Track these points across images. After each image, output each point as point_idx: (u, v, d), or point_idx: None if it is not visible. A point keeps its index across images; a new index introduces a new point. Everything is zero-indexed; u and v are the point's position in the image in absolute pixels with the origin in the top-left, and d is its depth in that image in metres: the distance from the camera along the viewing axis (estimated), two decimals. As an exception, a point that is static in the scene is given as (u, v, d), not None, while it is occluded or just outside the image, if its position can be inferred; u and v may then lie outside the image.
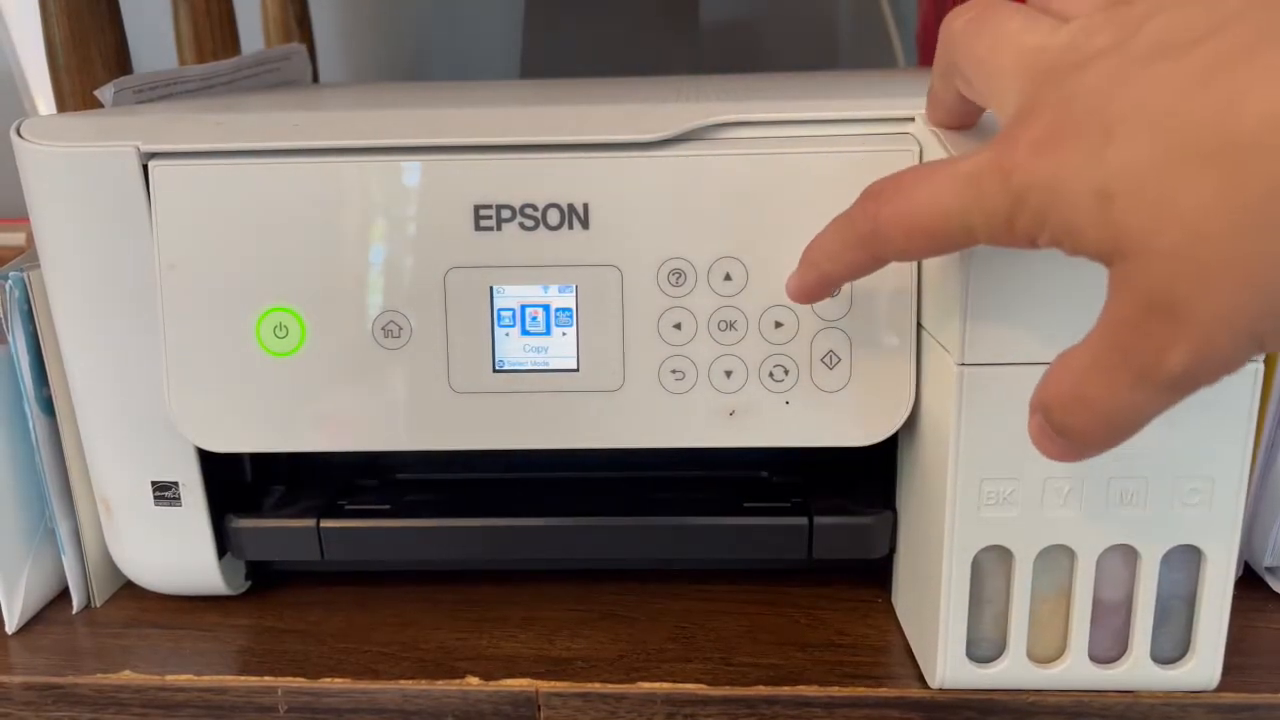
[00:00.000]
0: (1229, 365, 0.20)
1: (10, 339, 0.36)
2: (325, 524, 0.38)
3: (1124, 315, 0.21)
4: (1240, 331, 0.19)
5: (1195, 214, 0.19)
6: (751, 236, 0.33)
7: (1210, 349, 0.20)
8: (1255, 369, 0.29)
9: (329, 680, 0.34)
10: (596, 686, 0.34)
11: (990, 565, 0.32)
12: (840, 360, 0.34)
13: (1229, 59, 0.19)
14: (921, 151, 0.32)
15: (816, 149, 0.33)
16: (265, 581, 0.41)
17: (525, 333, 0.34)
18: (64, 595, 0.40)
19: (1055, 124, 0.21)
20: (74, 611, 0.39)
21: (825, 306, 0.33)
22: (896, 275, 0.33)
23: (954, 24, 0.26)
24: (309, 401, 0.35)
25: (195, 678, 0.35)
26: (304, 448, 0.35)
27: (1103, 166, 0.20)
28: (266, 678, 0.35)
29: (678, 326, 0.34)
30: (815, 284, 0.30)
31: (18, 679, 0.35)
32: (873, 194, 0.26)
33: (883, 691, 0.33)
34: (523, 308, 0.34)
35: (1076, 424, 0.23)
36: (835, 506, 0.38)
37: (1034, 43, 0.24)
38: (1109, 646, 0.33)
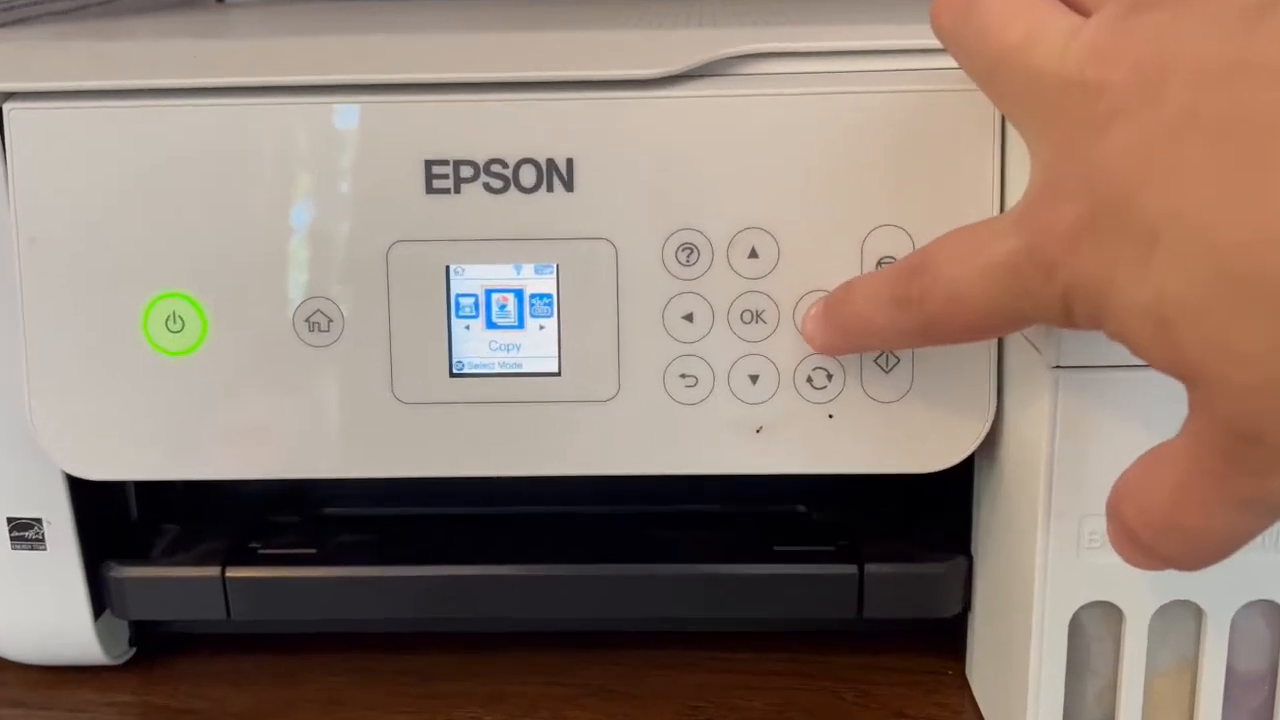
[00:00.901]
0: None
1: None
2: (232, 573, 0.38)
3: (1211, 439, 0.23)
4: None
5: (1263, 357, 0.21)
6: (784, 200, 0.33)
7: None
8: None
9: (236, 775, 0.35)
10: (584, 784, 0.35)
11: (1094, 627, 0.32)
12: (898, 362, 0.34)
13: (1265, 154, 0.20)
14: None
15: (866, 87, 0.33)
16: (154, 647, 0.41)
17: (491, 325, 0.34)
18: (-106, 666, 0.40)
19: (1090, 213, 0.23)
20: (-92, 687, 0.39)
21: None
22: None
23: (941, 19, 0.29)
24: (211, 415, 0.35)
25: (64, 772, 0.35)
26: (205, 475, 0.35)
27: (1150, 284, 0.22)
28: (156, 771, 0.34)
29: (689, 318, 0.34)
30: (846, 351, 0.33)
31: None
32: (914, 270, 0.29)
33: (954, 789, 0.34)
34: (488, 294, 0.34)
35: (1172, 551, 0.25)
36: (892, 551, 0.38)
37: (1042, 62, 0.25)
38: (1247, 732, 0.33)
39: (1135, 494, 0.25)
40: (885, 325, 0.30)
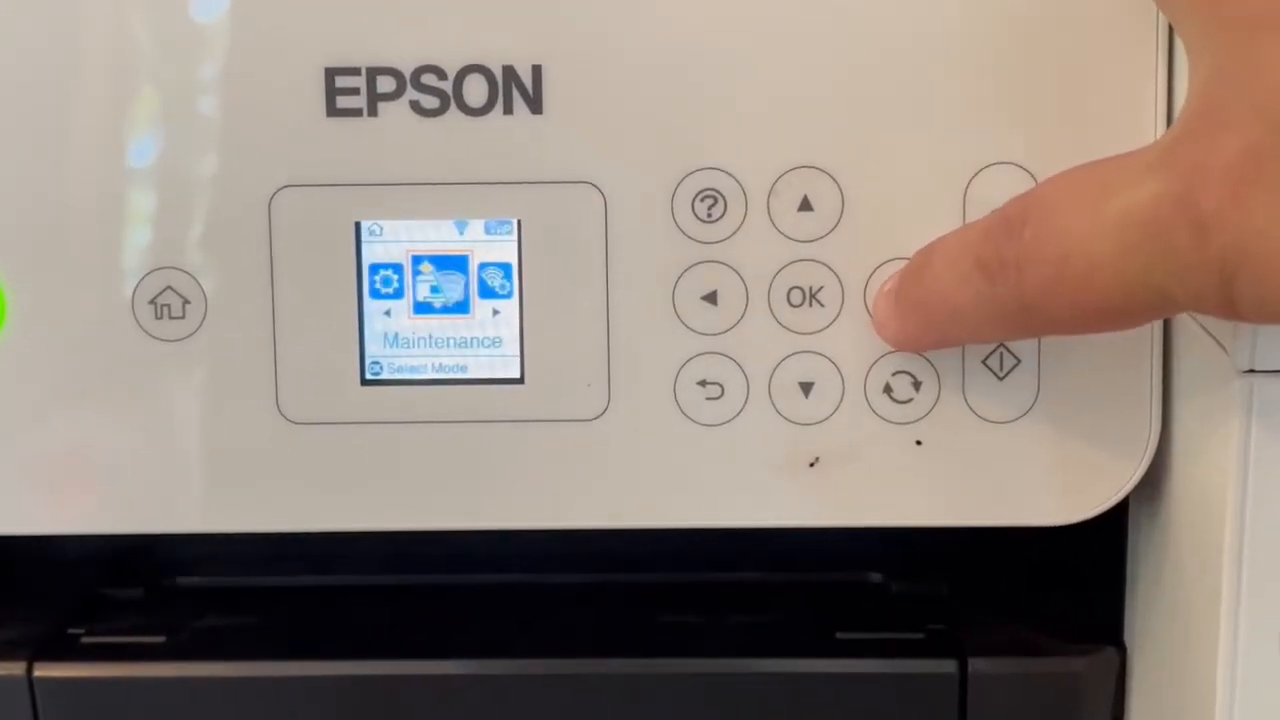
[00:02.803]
0: None
1: None
2: (42, 671, 0.37)
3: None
4: None
5: None
6: (850, 126, 0.33)
7: None
8: None
9: None
10: None
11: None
12: (1018, 363, 0.34)
13: None
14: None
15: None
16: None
17: (422, 310, 0.34)
18: None
19: (1259, 145, 0.23)
20: None
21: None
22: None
23: None
24: (11, 441, 0.34)
25: None
26: (10, 529, 0.35)
27: None
28: None
29: (711, 298, 0.34)
30: (931, 344, 0.33)
31: None
32: (1011, 224, 0.29)
33: None
34: (417, 263, 0.34)
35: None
36: (1008, 639, 0.38)
37: None
38: None
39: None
40: (971, 304, 0.30)
